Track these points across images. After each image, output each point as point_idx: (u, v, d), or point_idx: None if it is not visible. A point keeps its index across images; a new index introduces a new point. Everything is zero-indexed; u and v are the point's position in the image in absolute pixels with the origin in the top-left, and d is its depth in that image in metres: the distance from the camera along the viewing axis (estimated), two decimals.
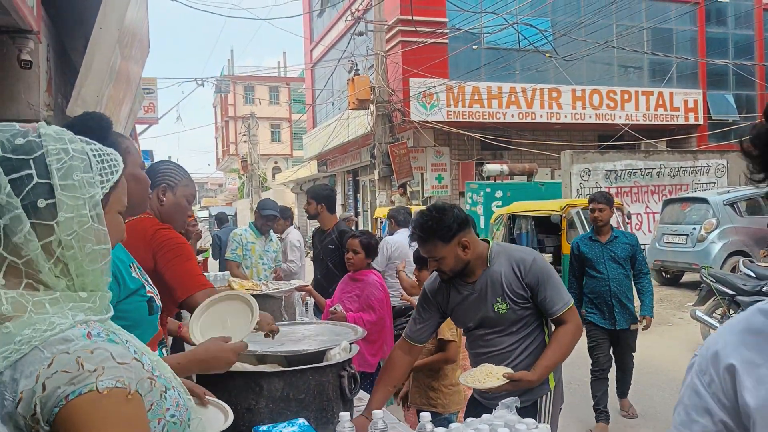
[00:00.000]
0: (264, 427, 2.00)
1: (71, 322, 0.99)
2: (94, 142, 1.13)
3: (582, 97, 18.35)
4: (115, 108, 5.56)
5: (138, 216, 2.35)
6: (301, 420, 2.05)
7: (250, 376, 2.27)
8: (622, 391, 5.45)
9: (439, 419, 3.23)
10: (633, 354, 5.39)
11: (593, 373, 5.22)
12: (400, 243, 5.50)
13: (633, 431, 5.25)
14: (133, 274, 1.92)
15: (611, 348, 5.27)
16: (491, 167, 14.31)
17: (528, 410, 2.50)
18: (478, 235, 2.73)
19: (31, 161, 1.02)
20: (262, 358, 2.57)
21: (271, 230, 5.96)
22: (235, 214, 32.12)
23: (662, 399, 5.89)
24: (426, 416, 1.94)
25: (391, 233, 6.04)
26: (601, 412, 5.14)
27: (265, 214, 5.74)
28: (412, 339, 2.78)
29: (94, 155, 1.10)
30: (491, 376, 2.44)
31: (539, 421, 2.53)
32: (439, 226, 2.56)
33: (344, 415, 2.06)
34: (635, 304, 5.31)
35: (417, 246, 2.96)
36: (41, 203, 1.01)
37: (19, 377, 0.94)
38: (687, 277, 11.63)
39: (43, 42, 4.52)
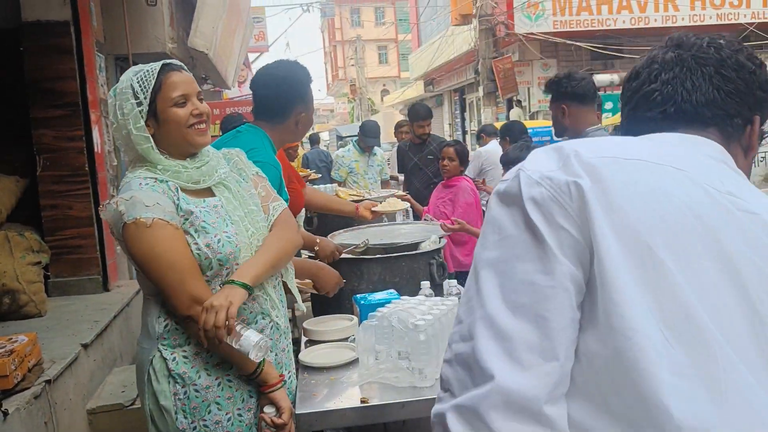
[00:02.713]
0: (360, 296, 2.44)
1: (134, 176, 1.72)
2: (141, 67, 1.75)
3: None
4: (229, 37, 6.05)
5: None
6: (391, 290, 2.46)
7: (354, 262, 2.73)
8: None
9: None
10: None
11: None
12: (489, 152, 5.98)
13: None
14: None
15: None
16: (601, 78, 13.89)
17: None
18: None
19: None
20: (365, 250, 3.01)
21: (374, 147, 6.37)
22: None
23: None
24: None
25: (483, 146, 6.43)
26: None
27: (367, 143, 6.21)
28: None
29: (136, 80, 1.71)
30: None
31: None
32: (552, 84, 2.95)
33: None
34: None
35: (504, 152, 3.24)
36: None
37: None
38: None
39: None
